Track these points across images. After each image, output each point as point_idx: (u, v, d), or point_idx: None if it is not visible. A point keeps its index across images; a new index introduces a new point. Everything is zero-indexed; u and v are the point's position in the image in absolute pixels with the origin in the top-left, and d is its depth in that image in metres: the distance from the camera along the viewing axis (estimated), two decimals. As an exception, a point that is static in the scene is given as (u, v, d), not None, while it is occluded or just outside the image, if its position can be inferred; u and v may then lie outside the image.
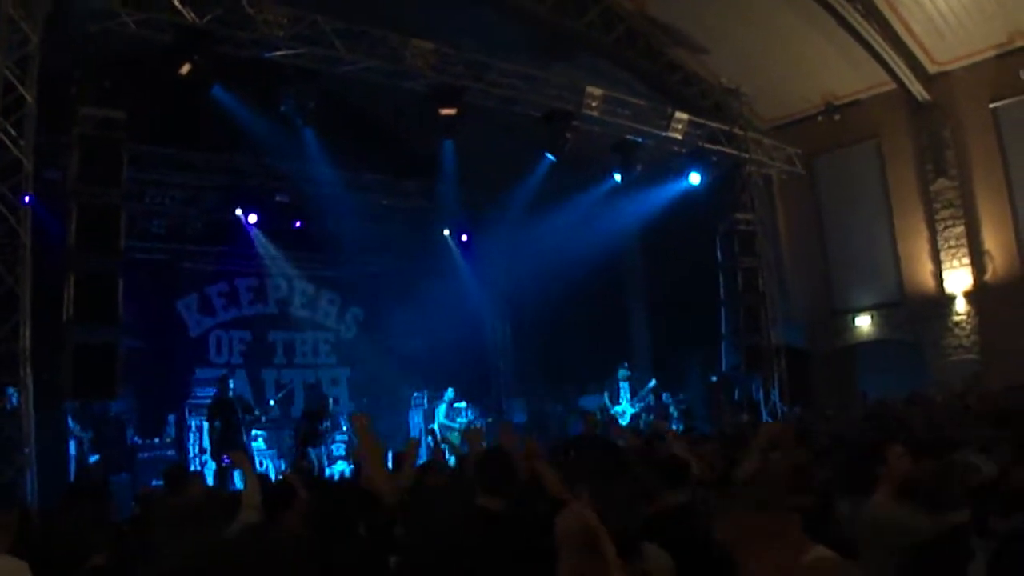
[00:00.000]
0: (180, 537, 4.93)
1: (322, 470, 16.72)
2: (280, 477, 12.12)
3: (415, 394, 21.09)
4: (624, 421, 19.58)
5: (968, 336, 19.34)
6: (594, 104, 17.45)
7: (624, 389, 20.40)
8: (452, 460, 11.79)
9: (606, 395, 20.45)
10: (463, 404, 20.84)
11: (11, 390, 11.18)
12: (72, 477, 14.46)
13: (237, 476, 14.37)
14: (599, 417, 19.79)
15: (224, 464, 15.26)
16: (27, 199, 11.32)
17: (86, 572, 4.81)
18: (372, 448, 6.29)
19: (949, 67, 19.56)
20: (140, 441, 17.47)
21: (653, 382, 20.57)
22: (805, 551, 3.45)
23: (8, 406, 11.19)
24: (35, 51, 11.35)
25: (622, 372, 20.59)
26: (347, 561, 4.84)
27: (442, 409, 20.33)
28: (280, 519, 5.50)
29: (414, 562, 4.92)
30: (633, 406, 20.12)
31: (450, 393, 20.50)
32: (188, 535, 4.81)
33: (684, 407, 20.62)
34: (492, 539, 4.79)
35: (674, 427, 18.97)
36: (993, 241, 19.26)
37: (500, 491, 5.33)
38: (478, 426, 18.72)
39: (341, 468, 17.58)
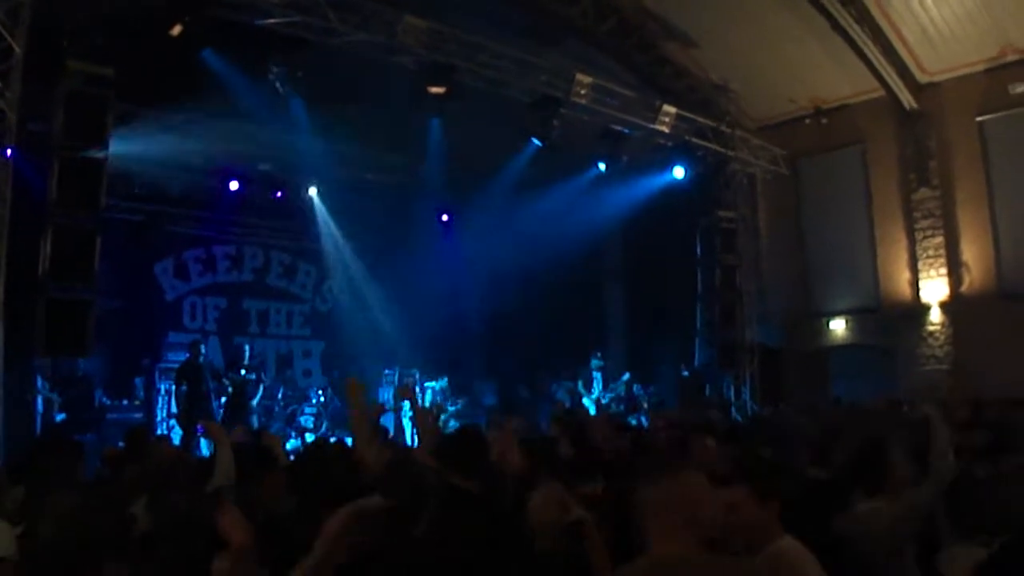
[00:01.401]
0: (155, 499, 4.88)
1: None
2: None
3: (386, 371, 21.01)
4: (593, 410, 19.63)
5: (941, 346, 19.41)
6: (583, 92, 17.44)
7: (597, 378, 20.45)
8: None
9: (579, 383, 20.50)
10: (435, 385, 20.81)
11: (-21, 343, 11.12)
12: (38, 434, 14.37)
13: (203, 443, 14.33)
14: (568, 404, 19.84)
15: (199, 434, 15.18)
16: (9, 152, 11.24)
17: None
18: (362, 415, 6.30)
19: (938, 78, 19.59)
20: (108, 402, 17.41)
21: (627, 375, 20.63)
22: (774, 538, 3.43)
23: (-23, 360, 11.12)
24: (27, 1, 11.25)
25: (595, 362, 20.66)
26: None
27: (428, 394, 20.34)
28: (260, 484, 5.45)
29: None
30: (604, 396, 20.18)
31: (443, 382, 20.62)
32: (161, 498, 4.76)
33: (655, 399, 20.64)
34: (465, 518, 4.77)
35: (643, 419, 19.06)
36: (971, 253, 19.32)
37: (471, 471, 5.30)
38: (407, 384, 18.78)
39: (309, 440, 17.52)
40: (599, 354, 20.92)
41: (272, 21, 13.78)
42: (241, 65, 15.79)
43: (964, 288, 19.35)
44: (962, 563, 3.98)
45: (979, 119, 19.31)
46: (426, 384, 20.52)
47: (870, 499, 5.14)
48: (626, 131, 18.85)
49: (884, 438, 5.82)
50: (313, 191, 21.30)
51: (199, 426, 14.87)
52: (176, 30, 12.74)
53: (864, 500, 5.17)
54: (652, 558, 3.13)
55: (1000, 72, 18.71)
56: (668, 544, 3.09)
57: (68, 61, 12.10)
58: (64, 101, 12.09)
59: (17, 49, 11.16)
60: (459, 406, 20.24)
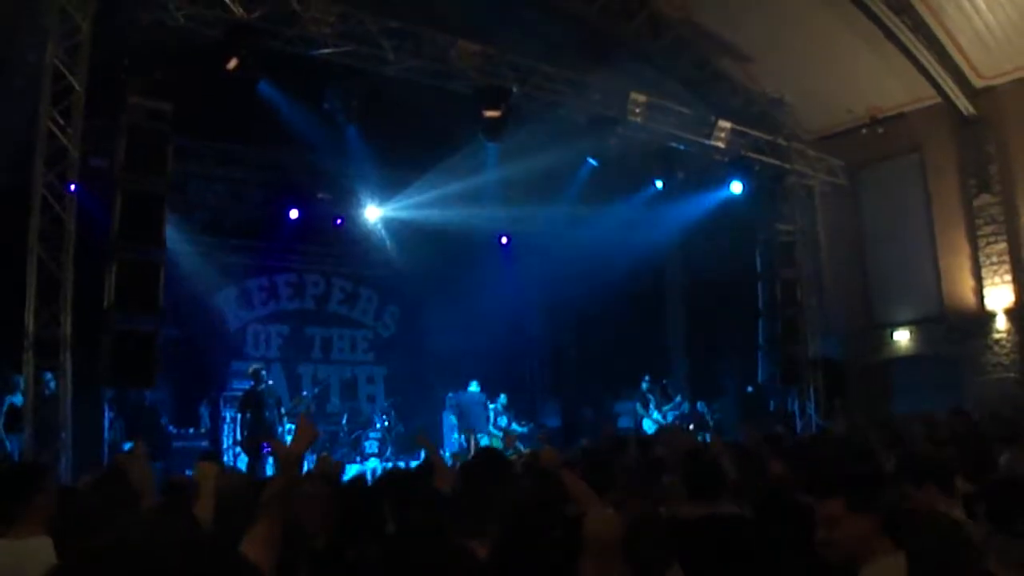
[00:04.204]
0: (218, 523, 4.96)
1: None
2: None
3: (449, 394, 21.05)
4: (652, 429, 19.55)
5: (1008, 354, 19.09)
6: (638, 110, 17.44)
7: (650, 400, 20.40)
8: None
9: (637, 404, 20.46)
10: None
11: (48, 375, 11.34)
12: (106, 463, 14.56)
13: (268, 468, 14.48)
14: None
15: (264, 452, 15.31)
16: (72, 187, 11.47)
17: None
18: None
19: (995, 82, 19.35)
20: (175, 430, 17.62)
21: (679, 398, 20.68)
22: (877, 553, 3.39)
23: (46, 391, 11.34)
24: (85, 40, 11.50)
25: (644, 385, 20.59)
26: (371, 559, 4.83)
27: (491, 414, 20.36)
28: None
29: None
30: (668, 414, 20.10)
31: (503, 399, 20.60)
32: (225, 521, 4.83)
33: (719, 416, 20.55)
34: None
35: (707, 437, 18.97)
36: (1036, 258, 19.07)
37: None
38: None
39: (373, 465, 17.62)
40: (647, 377, 20.82)
41: (326, 51, 13.95)
42: (297, 95, 16.01)
43: (1030, 294, 19.07)
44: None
45: (1039, 121, 19.09)
46: (490, 406, 20.53)
47: None
48: (682, 148, 18.82)
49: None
50: (372, 217, 21.45)
51: (264, 444, 15.06)
52: (232, 63, 12.92)
53: None
54: None
55: (1058, 73, 18.53)
56: None
57: (128, 96, 12.30)
58: (125, 136, 12.29)
59: (77, 87, 11.41)
60: (526, 430, 20.21)
